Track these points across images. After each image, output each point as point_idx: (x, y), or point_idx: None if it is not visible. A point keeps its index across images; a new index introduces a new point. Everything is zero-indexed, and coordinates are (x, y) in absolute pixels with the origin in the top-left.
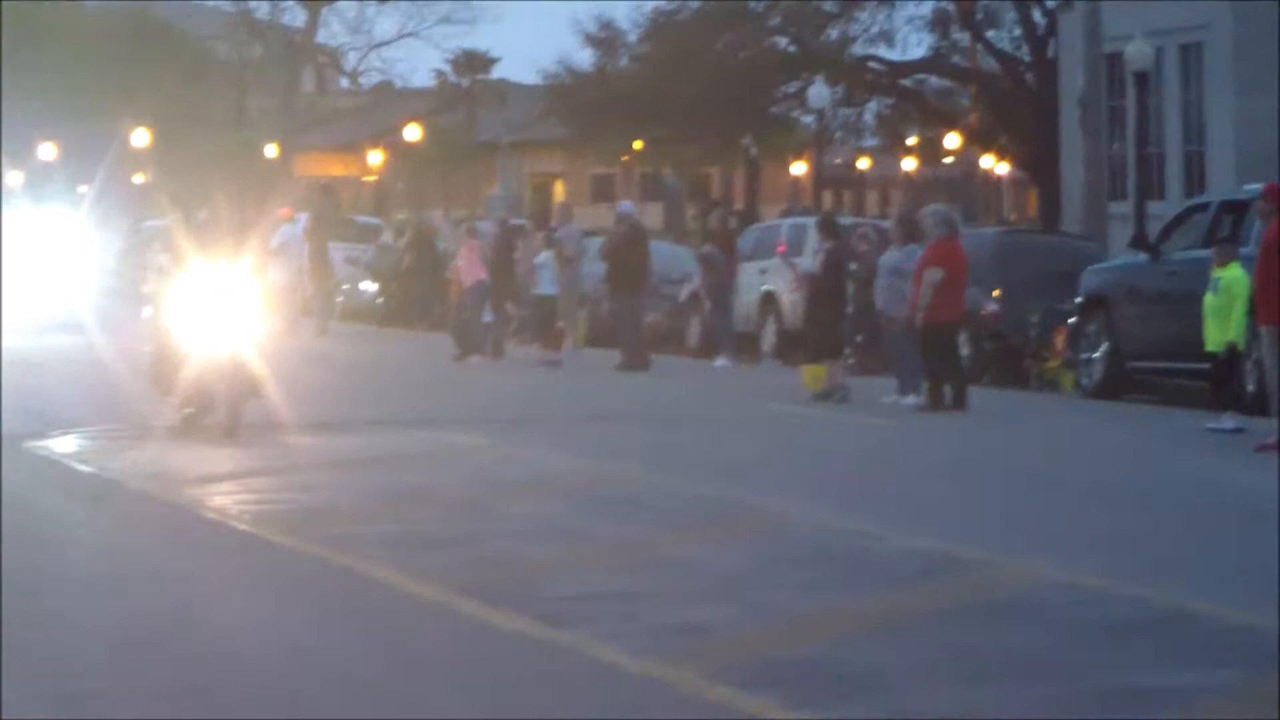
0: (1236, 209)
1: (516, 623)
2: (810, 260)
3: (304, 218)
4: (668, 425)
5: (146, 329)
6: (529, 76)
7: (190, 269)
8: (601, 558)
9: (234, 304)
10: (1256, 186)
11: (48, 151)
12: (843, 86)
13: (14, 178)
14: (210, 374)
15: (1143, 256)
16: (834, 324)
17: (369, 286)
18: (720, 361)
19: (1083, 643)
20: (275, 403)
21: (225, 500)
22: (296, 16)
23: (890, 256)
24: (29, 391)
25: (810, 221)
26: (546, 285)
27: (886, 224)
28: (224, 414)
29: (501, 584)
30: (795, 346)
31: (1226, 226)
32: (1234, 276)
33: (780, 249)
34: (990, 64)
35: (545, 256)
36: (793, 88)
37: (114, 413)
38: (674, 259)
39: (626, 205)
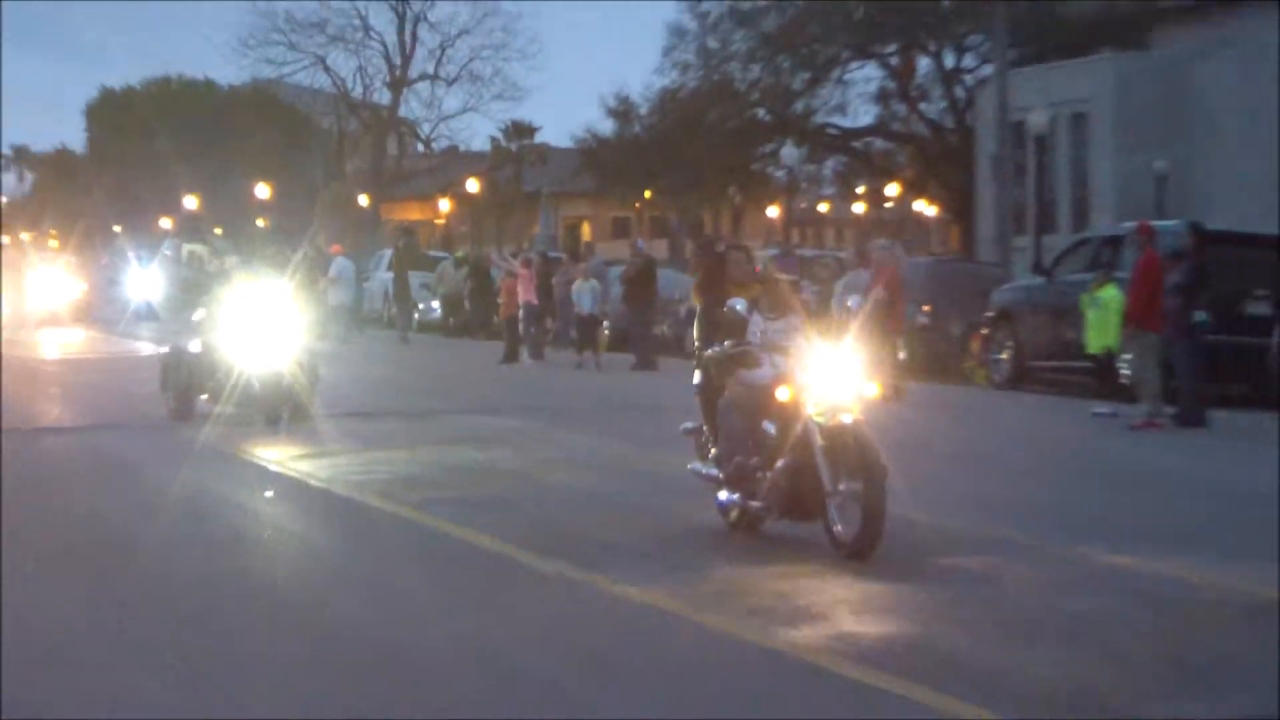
0: (1114, 242)
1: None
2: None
3: (388, 253)
4: (676, 414)
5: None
6: (564, 141)
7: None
8: (623, 519)
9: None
10: (1130, 224)
11: (191, 203)
12: (807, 147)
13: (165, 223)
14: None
15: (1040, 279)
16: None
17: (436, 306)
18: None
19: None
20: None
21: None
22: (384, 96)
23: (847, 278)
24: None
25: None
26: (588, 306)
27: (843, 254)
28: (859, 529)
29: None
30: None
31: (1106, 255)
32: (1111, 294)
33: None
34: (922, 129)
35: (588, 284)
36: (768, 148)
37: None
38: (676, 283)
39: (640, 242)
